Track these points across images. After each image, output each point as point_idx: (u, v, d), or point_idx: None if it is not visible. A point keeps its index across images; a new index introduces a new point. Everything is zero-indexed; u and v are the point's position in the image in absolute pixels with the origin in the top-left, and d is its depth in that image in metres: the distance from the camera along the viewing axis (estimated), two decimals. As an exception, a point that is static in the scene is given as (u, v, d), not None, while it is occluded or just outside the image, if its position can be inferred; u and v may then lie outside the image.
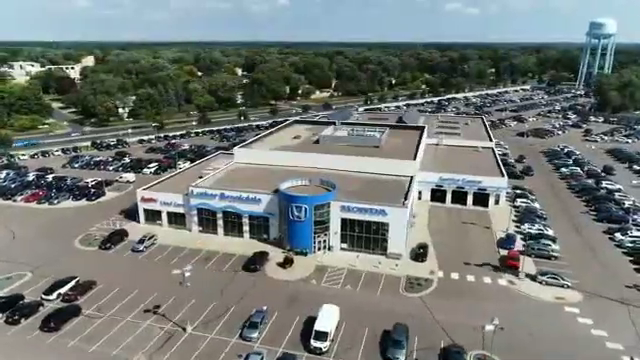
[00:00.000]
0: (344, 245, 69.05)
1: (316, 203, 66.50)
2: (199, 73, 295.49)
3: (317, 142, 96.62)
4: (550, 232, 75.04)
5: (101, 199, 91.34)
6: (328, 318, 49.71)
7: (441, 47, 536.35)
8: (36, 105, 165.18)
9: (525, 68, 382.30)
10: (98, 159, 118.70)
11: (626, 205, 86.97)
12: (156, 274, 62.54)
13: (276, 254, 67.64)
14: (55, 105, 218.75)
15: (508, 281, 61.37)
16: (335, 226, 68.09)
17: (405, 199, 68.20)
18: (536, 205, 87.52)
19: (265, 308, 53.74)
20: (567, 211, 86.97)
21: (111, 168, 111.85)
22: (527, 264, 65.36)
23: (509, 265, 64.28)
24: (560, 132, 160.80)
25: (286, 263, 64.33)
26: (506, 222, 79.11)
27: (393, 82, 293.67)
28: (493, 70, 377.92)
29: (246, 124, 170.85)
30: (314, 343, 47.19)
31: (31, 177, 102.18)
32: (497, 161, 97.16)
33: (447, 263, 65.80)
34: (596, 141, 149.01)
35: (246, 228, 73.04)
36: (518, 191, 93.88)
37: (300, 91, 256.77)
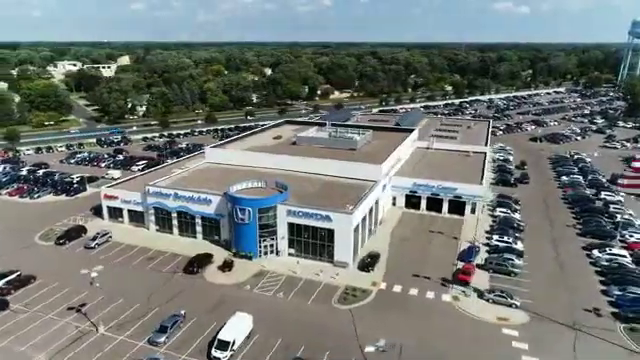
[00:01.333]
0: (292, 250, 66.91)
1: (260, 206, 64.67)
2: (226, 72, 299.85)
3: (294, 143, 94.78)
4: (519, 246, 69.65)
5: (80, 195, 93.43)
6: (235, 327, 47.85)
7: (483, 48, 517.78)
8: (54, 102, 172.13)
9: (564, 69, 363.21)
10: (93, 156, 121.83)
11: (618, 219, 79.68)
12: (97, 271, 62.72)
13: (223, 256, 66.47)
14: (82, 102, 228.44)
15: (453, 297, 57.22)
16: (282, 230, 66.11)
17: (354, 205, 65.02)
18: (516, 216, 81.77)
19: (182, 312, 52.58)
20: (552, 223, 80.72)
21: (103, 165, 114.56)
22: (482, 279, 61.16)
23: (460, 279, 60.03)
24: (579, 138, 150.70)
25: (225, 267, 62.96)
26: (479, 232, 74.51)
27: (417, 83, 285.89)
28: (530, 71, 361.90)
29: (252, 124, 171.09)
30: (214, 352, 45.50)
31: (24, 172, 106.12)
32: (483, 167, 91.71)
33: (395, 274, 62.32)
34: (615, 148, 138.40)
35: (199, 229, 72.28)
36: (501, 200, 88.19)
37: (319, 92, 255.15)
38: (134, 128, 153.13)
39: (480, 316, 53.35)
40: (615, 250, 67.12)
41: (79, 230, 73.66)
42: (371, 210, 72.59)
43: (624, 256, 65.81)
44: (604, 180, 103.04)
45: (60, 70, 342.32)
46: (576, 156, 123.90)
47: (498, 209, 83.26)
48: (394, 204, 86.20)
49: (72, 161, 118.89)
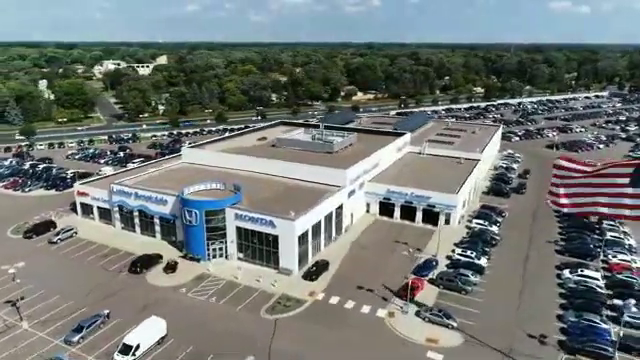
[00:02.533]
0: (241, 255, 65.78)
1: (207, 208, 63.99)
2: (258, 72, 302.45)
3: (274, 145, 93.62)
4: (482, 261, 65.00)
5: (68, 190, 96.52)
6: (144, 331, 47.25)
7: (534, 49, 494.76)
8: (78, 100, 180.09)
9: (612, 72, 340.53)
10: (97, 152, 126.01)
11: (607, 237, 72.91)
12: (49, 266, 64.38)
13: (174, 258, 66.33)
14: (113, 100, 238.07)
15: (388, 313, 54.07)
16: (231, 234, 65.11)
17: (299, 212, 62.84)
18: (493, 228, 76.59)
19: (106, 312, 52.67)
20: (532, 238, 75.01)
21: (102, 161, 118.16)
22: (430, 295, 57.55)
23: (404, 294, 56.67)
24: (602, 146, 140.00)
25: (168, 269, 62.71)
26: (448, 245, 70.44)
27: (446, 85, 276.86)
28: (575, 74, 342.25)
29: (263, 124, 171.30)
30: (115, 356, 45.12)
31: (26, 166, 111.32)
32: (467, 176, 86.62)
33: (339, 285, 59.84)
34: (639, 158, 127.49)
35: (158, 229, 72.59)
36: (483, 211, 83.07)
37: (343, 92, 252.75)
38: (144, 126, 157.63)
39: (409, 335, 49.99)
40: (587, 271, 61.15)
41: (48, 225, 75.92)
42: (331, 216, 70.29)
43: (596, 279, 59.89)
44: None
45: (103, 69, 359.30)
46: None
47: (475, 221, 78.39)
48: (368, 211, 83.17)
49: (76, 157, 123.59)
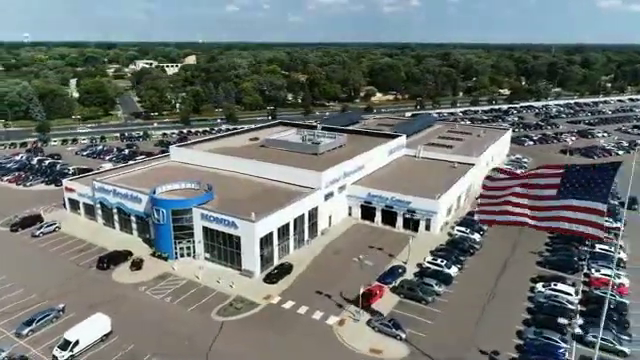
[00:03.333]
0: (207, 255, 65.85)
1: (174, 207, 64.41)
2: (283, 72, 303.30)
3: (263, 146, 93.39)
4: (452, 270, 62.44)
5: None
6: (86, 328, 47.90)
7: (573, 50, 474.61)
8: (98, 98, 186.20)
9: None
10: (104, 149, 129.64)
11: (596, 249, 68.66)
12: (24, 258, 66.58)
13: (145, 255, 67.23)
14: (137, 99, 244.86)
15: (339, 321, 52.68)
16: (199, 234, 65.30)
17: (266, 214, 62.23)
18: (475, 236, 73.53)
19: (61, 306, 53.80)
20: (515, 248, 71.54)
21: (107, 158, 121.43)
22: (389, 304, 55.86)
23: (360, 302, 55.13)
24: (622, 152, 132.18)
25: (133, 266, 63.49)
26: (424, 252, 68.22)
27: (470, 86, 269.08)
28: (612, 76, 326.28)
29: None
30: (54, 351, 45.95)
31: (34, 161, 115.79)
32: (456, 181, 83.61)
33: (299, 289, 58.97)
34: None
35: (134, 226, 73.73)
36: (467, 217, 80.00)
37: (363, 93, 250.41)
38: (155, 124, 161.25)
39: (353, 345, 48.52)
40: (561, 286, 57.63)
41: (35, 219, 78.52)
42: (302, 219, 69.37)
43: (569, 294, 56.37)
44: (615, 203, 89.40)
45: (135, 68, 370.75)
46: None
47: (457, 228, 75.57)
48: (350, 214, 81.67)
49: (84, 154, 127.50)
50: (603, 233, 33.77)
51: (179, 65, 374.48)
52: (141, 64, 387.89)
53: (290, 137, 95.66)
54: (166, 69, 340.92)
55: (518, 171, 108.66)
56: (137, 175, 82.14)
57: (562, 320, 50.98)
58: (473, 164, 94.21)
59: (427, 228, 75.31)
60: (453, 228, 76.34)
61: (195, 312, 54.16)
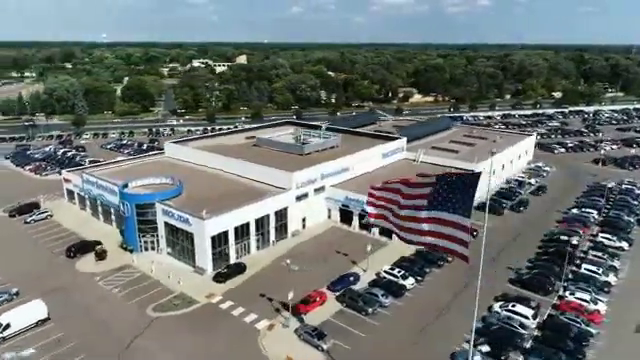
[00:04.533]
0: (169, 250, 66.86)
1: (137, 202, 65.98)
2: (330, 73, 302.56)
3: (256, 145, 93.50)
4: (408, 282, 58.90)
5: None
6: (20, 313, 50.13)
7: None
8: (137, 95, 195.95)
9: None
10: (126, 143, 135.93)
11: (581, 270, 62.00)
12: (7, 242, 71.14)
13: (113, 246, 69.54)
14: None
15: (269, 325, 51.35)
16: (161, 229, 66.44)
17: (220, 212, 62.01)
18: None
19: (14, 290, 56.80)
20: (493, 263, 66.07)
21: (125, 152, 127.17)
22: (327, 312, 53.90)
23: (297, 307, 53.47)
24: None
25: (97, 256, 65.72)
26: (389, 260, 65.07)
27: (518, 89, 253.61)
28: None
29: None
30: (-14, 332, 48.47)
31: (59, 153, 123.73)
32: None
33: (244, 290, 58.39)
34: None
35: (114, 217, 76.44)
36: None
37: (401, 94, 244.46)
38: (180, 121, 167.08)
39: (271, 351, 47.09)
40: (520, 307, 52.47)
41: (31, 206, 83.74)
42: (267, 219, 68.56)
43: (525, 317, 51.20)
44: (631, 220, 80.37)
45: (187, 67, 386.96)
46: (628, 186, 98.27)
47: (433, 237, 71.15)
48: (329, 217, 79.69)
49: (108, 147, 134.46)
50: (468, 251, 30.43)
51: (227, 64, 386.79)
52: (196, 63, 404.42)
53: (282, 137, 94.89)
54: (216, 68, 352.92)
55: (532, 180, 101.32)
56: (127, 169, 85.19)
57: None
58: (473, 171, 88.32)
59: (401, 236, 71.59)
60: (430, 237, 72.07)
61: (134, 306, 55.04)
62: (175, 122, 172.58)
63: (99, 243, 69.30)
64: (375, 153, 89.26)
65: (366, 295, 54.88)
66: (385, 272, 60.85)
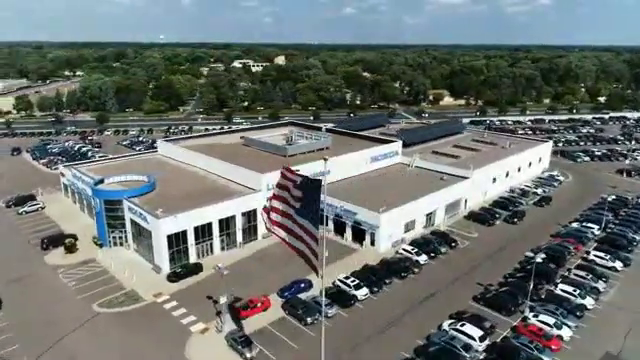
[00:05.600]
0: (135, 246, 67.54)
1: (105, 198, 67.12)
2: (365, 74, 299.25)
3: (245, 145, 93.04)
4: (360, 293, 56.08)
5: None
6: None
7: None
8: (165, 94, 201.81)
9: None
10: (138, 140, 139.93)
11: (556, 290, 56.65)
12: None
13: (86, 240, 71.15)
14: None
15: (203, 329, 50.45)
16: (128, 225, 67.27)
17: (177, 212, 61.77)
18: (421, 257, 65.12)
19: (-24, 279, 59.26)
20: (467, 276, 62.02)
21: (137, 148, 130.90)
22: (267, 319, 52.34)
23: (237, 312, 52.26)
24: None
25: (65, 250, 67.36)
26: (352, 268, 62.45)
27: (557, 92, 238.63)
28: None
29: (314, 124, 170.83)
30: None
31: (76, 147, 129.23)
32: (427, 193, 75.06)
33: (193, 291, 57.85)
34: None
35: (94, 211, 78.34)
36: (430, 237, 71.21)
37: (431, 96, 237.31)
38: (199, 120, 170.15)
39: (193, 356, 46.07)
40: (468, 327, 48.45)
41: (27, 198, 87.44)
42: (233, 220, 67.80)
43: (472, 338, 47.19)
44: (637, 238, 72.88)
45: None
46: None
47: (404, 246, 67.71)
48: (307, 220, 77.69)
49: (123, 143, 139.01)
50: (317, 262, 28.65)
51: (263, 65, 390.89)
52: (236, 64, 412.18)
53: (270, 138, 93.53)
54: (252, 68, 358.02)
55: (538, 189, 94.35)
56: (118, 165, 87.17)
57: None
58: (467, 177, 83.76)
59: (372, 243, 68.75)
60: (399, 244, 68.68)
61: (82, 301, 55.72)
62: (195, 121, 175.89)
63: (74, 236, 71.05)
64: (362, 156, 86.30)
65: (309, 304, 52.75)
66: (339, 280, 58.31)
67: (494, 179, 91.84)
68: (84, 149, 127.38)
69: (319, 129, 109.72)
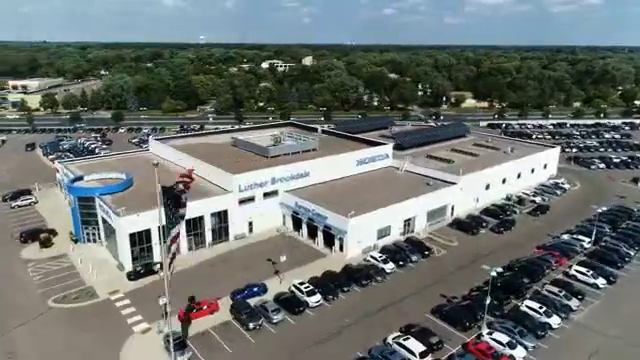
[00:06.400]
0: (107, 243, 68.56)
1: (78, 194, 68.50)
2: (391, 75, 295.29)
3: (234, 145, 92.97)
4: (313, 299, 54.53)
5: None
6: None
7: None
8: (183, 93, 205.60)
9: None
10: (147, 139, 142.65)
11: (522, 307, 53.11)
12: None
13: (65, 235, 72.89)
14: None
15: (145, 329, 50.38)
16: (100, 222, 68.37)
17: (140, 210, 62.11)
18: (387, 265, 62.82)
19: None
20: (432, 287, 59.36)
21: (144, 146, 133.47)
22: (213, 322, 51.77)
23: (179, 315, 51.89)
24: None
25: (40, 244, 69.12)
26: (312, 274, 61.08)
27: (588, 96, 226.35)
28: None
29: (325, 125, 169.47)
30: None
31: (86, 144, 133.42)
32: (408, 199, 72.50)
33: (149, 290, 57.19)
34: None
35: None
36: (403, 245, 68.63)
37: (453, 98, 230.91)
38: (210, 119, 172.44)
39: (128, 357, 45.99)
40: (411, 342, 46.02)
41: (23, 193, 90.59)
42: (201, 220, 67.68)
43: (412, 353, 44.79)
44: (631, 253, 67.66)
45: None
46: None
47: (372, 253, 65.51)
48: (284, 223, 76.78)
49: (133, 141, 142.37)
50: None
51: (288, 65, 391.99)
52: (264, 64, 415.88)
53: (256, 139, 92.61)
54: (279, 68, 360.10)
55: (537, 198, 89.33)
56: (108, 162, 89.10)
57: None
58: (454, 183, 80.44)
59: (341, 248, 66.96)
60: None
61: (40, 295, 56.68)
62: (207, 120, 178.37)
63: (52, 231, 72.95)
64: (346, 159, 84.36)
65: (254, 308, 51.75)
66: (294, 286, 56.96)
67: (487, 185, 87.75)
68: (93, 146, 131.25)
69: (314, 130, 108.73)
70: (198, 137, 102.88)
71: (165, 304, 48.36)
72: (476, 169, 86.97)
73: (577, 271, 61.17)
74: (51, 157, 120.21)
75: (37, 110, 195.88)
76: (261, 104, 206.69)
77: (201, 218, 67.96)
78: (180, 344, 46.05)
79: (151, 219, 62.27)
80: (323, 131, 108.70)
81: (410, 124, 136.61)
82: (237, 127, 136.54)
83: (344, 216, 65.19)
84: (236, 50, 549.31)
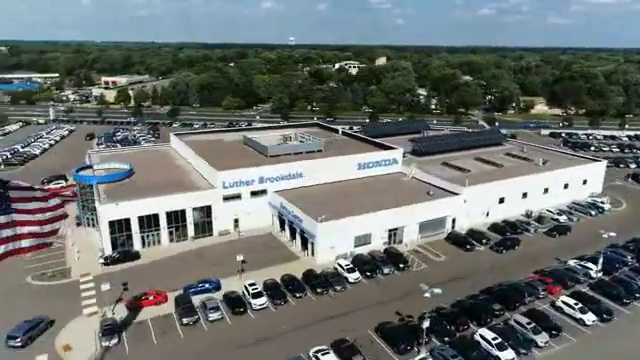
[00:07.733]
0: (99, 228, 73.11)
1: (80, 181, 73.89)
2: (465, 77, 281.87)
3: (245, 144, 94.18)
4: (257, 301, 53.57)
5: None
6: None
7: None
8: (242, 92, 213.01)
9: None
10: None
11: (476, 336, 47.62)
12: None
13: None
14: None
15: (92, 312, 52.96)
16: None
17: (120, 200, 65.36)
18: (352, 275, 59.84)
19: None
20: (398, 301, 55.71)
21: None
22: (159, 312, 53.08)
23: (127, 303, 53.83)
24: None
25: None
26: (270, 276, 60.33)
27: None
28: None
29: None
30: None
31: (137, 136, 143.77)
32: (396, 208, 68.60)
33: (117, 276, 60.18)
34: None
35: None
36: (379, 255, 64.89)
37: (522, 104, 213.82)
38: (257, 117, 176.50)
39: (63, 338, 48.64)
40: (327, 358, 43.29)
41: (59, 178, 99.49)
42: (183, 214, 69.65)
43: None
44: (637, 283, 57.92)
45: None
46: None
47: (341, 261, 62.70)
48: (273, 223, 76.46)
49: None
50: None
51: (360, 66, 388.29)
52: (337, 65, 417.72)
53: (266, 138, 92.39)
54: (351, 69, 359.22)
55: (562, 217, 79.75)
56: (129, 154, 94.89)
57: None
58: (457, 194, 74.58)
59: (312, 253, 65.11)
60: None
61: (25, 272, 61.37)
62: (254, 118, 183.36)
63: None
64: (344, 162, 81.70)
65: (192, 305, 52.16)
66: (244, 287, 56.42)
67: (501, 199, 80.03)
68: (141, 138, 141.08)
69: (335, 131, 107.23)
70: (217, 134, 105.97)
71: (106, 290, 50.86)
72: (491, 180, 79.81)
73: (564, 302, 53.57)
74: (102, 146, 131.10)
75: (113, 104, 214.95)
76: (315, 104, 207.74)
77: (183, 212, 69.88)
78: (109, 330, 47.72)
79: (132, 209, 65.86)
80: (343, 133, 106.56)
81: (448, 129, 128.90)
82: (261, 125, 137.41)
83: (314, 220, 63.27)
84: (317, 51, 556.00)
